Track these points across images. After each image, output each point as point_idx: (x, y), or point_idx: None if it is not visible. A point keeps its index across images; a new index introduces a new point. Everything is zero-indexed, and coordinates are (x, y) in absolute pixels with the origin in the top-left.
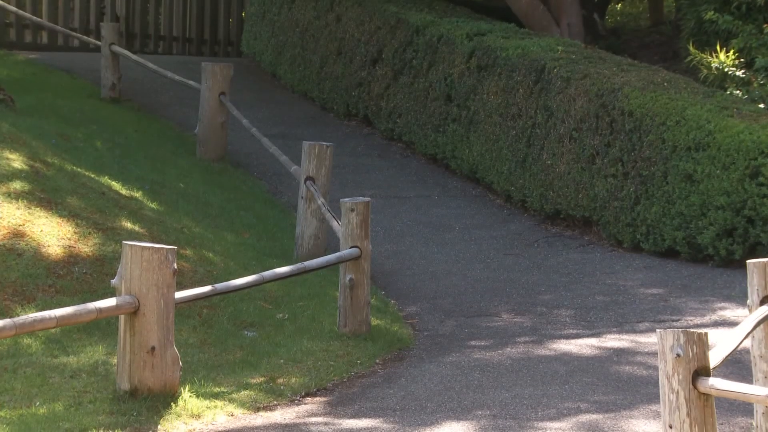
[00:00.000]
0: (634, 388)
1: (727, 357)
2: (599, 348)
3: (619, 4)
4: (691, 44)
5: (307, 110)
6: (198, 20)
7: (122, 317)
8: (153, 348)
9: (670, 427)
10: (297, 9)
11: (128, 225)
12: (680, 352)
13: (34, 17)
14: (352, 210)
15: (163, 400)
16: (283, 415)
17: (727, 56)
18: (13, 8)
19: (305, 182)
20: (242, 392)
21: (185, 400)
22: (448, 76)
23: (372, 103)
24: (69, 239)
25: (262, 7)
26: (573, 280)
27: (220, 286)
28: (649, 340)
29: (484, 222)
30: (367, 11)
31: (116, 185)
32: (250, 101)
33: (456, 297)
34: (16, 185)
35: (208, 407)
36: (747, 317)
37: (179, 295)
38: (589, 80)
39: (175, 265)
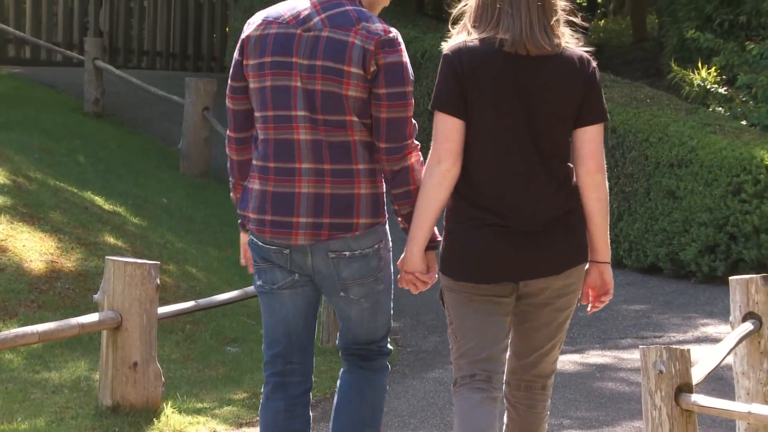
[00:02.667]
0: (617, 404)
1: (709, 373)
2: (582, 364)
3: (603, 21)
4: (673, 61)
5: None
6: (182, 35)
7: (105, 332)
8: (135, 363)
9: None
10: None
11: (111, 240)
12: (663, 368)
13: (17, 31)
14: None
15: (145, 416)
16: None
17: (709, 73)
18: None
19: None
20: (225, 408)
21: (168, 416)
22: (432, 92)
23: None
24: (51, 254)
25: (245, 22)
26: None
27: (203, 301)
28: (632, 356)
29: None
30: None
31: (99, 200)
32: None
33: (439, 313)
34: None
35: (190, 423)
36: (729, 334)
37: (162, 310)
38: None
39: (158, 281)
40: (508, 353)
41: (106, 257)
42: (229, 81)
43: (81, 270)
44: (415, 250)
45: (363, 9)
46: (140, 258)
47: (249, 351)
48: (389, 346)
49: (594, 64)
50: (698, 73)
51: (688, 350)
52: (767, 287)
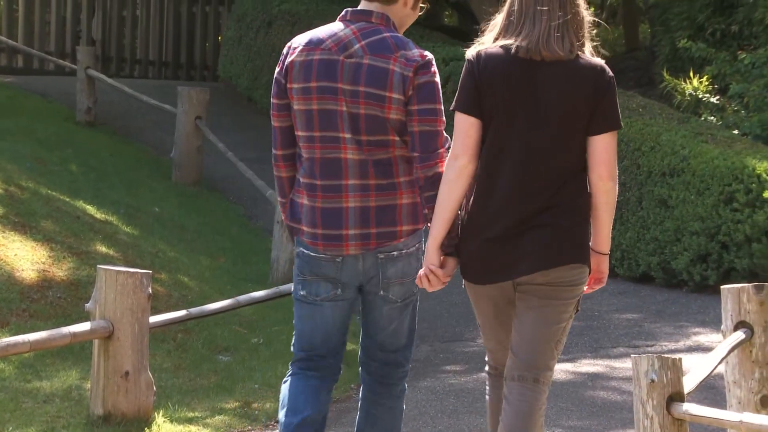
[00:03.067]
0: (609, 413)
1: (701, 382)
2: (574, 373)
3: (595, 30)
4: (665, 70)
5: None
6: (174, 44)
7: (96, 342)
8: (127, 373)
9: None
10: (274, 33)
11: (103, 249)
12: (655, 377)
13: (10, 41)
14: None
15: (137, 425)
16: None
17: (701, 82)
18: None
19: None
20: (216, 417)
21: (159, 425)
22: None
23: None
24: (43, 263)
25: (239, 31)
26: None
27: (194, 310)
28: (624, 365)
29: None
30: None
31: (91, 209)
32: (226, 125)
33: (431, 322)
34: None
35: None
36: (721, 343)
37: (154, 319)
38: None
39: (150, 290)
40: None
41: (98, 266)
42: (272, 99)
43: (73, 279)
44: (431, 243)
45: (399, 35)
46: (132, 267)
47: (241, 360)
48: (409, 364)
49: (610, 74)
50: (690, 83)
51: (680, 359)
52: (759, 296)
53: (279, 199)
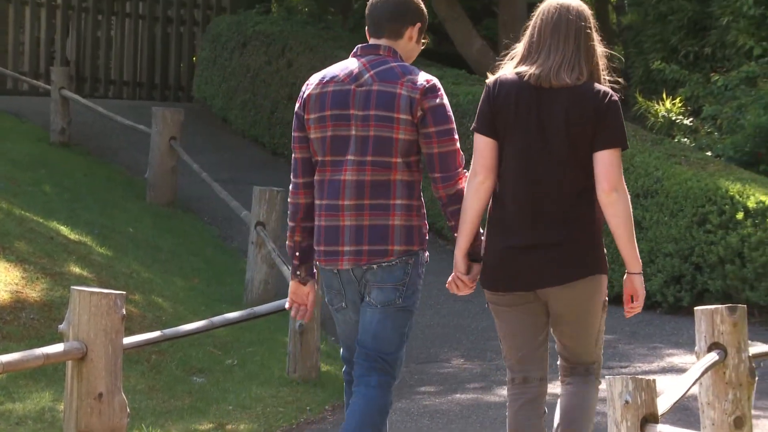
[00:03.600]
0: None
1: (675, 404)
2: (549, 394)
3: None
4: (639, 92)
5: (258, 155)
6: (149, 65)
7: (69, 363)
8: (100, 394)
9: None
10: (248, 54)
11: (77, 270)
12: (629, 398)
13: None
14: None
15: None
16: None
17: (674, 104)
18: None
19: (255, 227)
20: None
21: None
22: None
23: None
24: (16, 284)
25: (213, 52)
26: None
27: (169, 331)
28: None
29: (435, 268)
30: (318, 57)
31: (65, 230)
32: (200, 146)
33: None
34: None
35: None
36: (695, 364)
37: (128, 340)
38: None
39: (124, 311)
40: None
41: (72, 287)
42: (293, 133)
43: (46, 300)
44: (457, 252)
45: (405, 63)
46: (106, 288)
47: (215, 381)
48: (397, 372)
49: (614, 97)
50: (663, 104)
51: (654, 380)
52: (732, 318)
53: (289, 223)
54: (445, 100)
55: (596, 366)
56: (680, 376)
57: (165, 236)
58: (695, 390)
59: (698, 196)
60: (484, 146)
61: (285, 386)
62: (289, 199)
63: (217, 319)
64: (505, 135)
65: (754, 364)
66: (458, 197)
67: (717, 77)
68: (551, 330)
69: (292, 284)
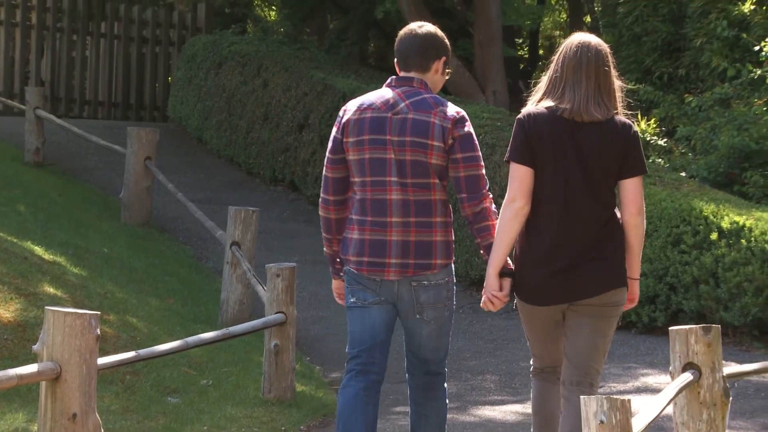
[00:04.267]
0: None
1: (649, 424)
2: (523, 414)
3: (543, 73)
4: None
5: (233, 175)
6: (124, 85)
7: (43, 384)
8: (74, 415)
9: None
10: (224, 74)
11: (51, 290)
12: (604, 418)
13: None
14: (278, 275)
15: None
16: None
17: (649, 125)
18: None
19: (231, 247)
20: None
21: None
22: None
23: (298, 168)
24: None
25: (189, 72)
26: (498, 346)
27: (143, 351)
28: None
29: None
30: (294, 77)
31: (39, 250)
32: (176, 166)
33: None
34: None
35: None
36: (669, 384)
37: (102, 361)
38: None
39: (98, 331)
40: (564, 355)
41: (46, 308)
42: (328, 155)
43: (20, 320)
44: (491, 272)
45: (436, 95)
46: (80, 308)
47: (190, 402)
48: (446, 368)
49: (635, 128)
50: (638, 125)
51: (629, 400)
52: (707, 338)
53: (324, 235)
54: (472, 130)
55: (598, 379)
56: (655, 396)
57: (140, 256)
58: (670, 410)
59: (672, 217)
60: (522, 174)
61: (260, 406)
62: (320, 213)
63: (192, 339)
64: (542, 164)
65: (728, 384)
66: (484, 215)
67: (691, 98)
68: (565, 342)
69: (335, 282)
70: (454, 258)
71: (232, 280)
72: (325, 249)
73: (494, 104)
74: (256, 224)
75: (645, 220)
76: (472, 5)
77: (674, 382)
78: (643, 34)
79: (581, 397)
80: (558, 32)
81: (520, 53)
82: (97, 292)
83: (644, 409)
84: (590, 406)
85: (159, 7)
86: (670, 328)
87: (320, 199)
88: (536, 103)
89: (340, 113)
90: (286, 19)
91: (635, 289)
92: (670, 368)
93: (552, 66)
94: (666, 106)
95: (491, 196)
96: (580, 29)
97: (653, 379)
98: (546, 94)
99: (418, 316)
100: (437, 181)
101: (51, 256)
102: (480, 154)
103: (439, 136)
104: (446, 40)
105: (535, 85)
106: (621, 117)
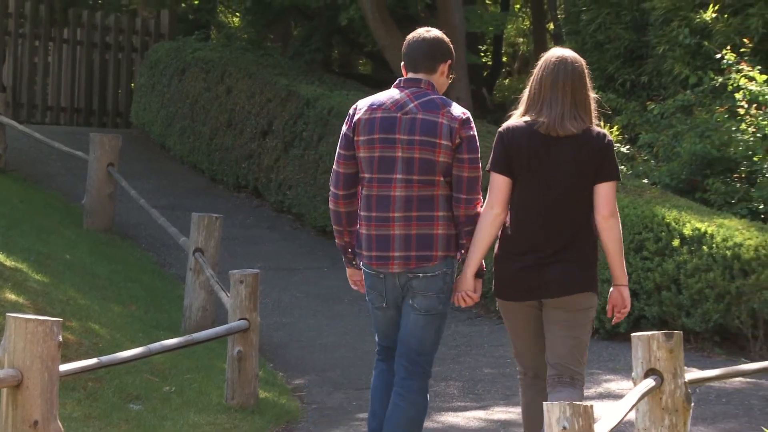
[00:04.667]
0: None
1: (612, 430)
2: (486, 420)
3: (507, 80)
4: None
5: (197, 182)
6: (86, 90)
7: (5, 391)
8: (36, 422)
9: None
10: (187, 80)
11: (12, 297)
12: (566, 424)
13: None
14: (241, 282)
15: None
16: None
17: (611, 132)
18: None
19: (194, 254)
20: None
21: None
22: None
23: (262, 174)
24: None
25: (152, 78)
26: (461, 353)
27: (106, 358)
28: None
29: None
30: (257, 83)
31: (0, 256)
32: (138, 172)
33: (345, 369)
34: None
35: None
36: (632, 390)
37: (64, 368)
38: None
39: (60, 338)
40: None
41: (7, 314)
42: (339, 150)
43: None
44: (468, 272)
45: (443, 96)
46: (42, 315)
47: (152, 408)
48: (431, 369)
49: (609, 137)
50: None
51: (591, 406)
52: (668, 344)
53: (335, 227)
54: (475, 132)
55: (580, 376)
56: (617, 402)
57: (102, 263)
58: (632, 416)
59: (635, 223)
60: (501, 183)
61: (223, 413)
62: (330, 206)
63: (154, 345)
64: (520, 174)
65: (690, 390)
66: (473, 219)
67: (653, 105)
68: (546, 341)
69: (349, 270)
70: (457, 250)
71: (195, 286)
72: (336, 240)
73: None
74: (220, 231)
75: (619, 225)
76: (435, 12)
77: (636, 388)
78: (605, 42)
79: (545, 403)
80: (521, 39)
81: (483, 60)
82: (59, 298)
83: (607, 415)
84: (553, 412)
85: (122, 13)
86: (632, 335)
87: (330, 194)
88: (518, 116)
89: (351, 111)
90: (249, 26)
91: (625, 294)
92: (633, 374)
93: (531, 81)
94: (628, 114)
95: (482, 200)
96: (543, 36)
97: (616, 385)
98: (527, 109)
99: (410, 302)
100: (442, 178)
101: (12, 263)
102: (479, 156)
103: (447, 135)
104: (451, 45)
105: (498, 92)
106: (596, 127)
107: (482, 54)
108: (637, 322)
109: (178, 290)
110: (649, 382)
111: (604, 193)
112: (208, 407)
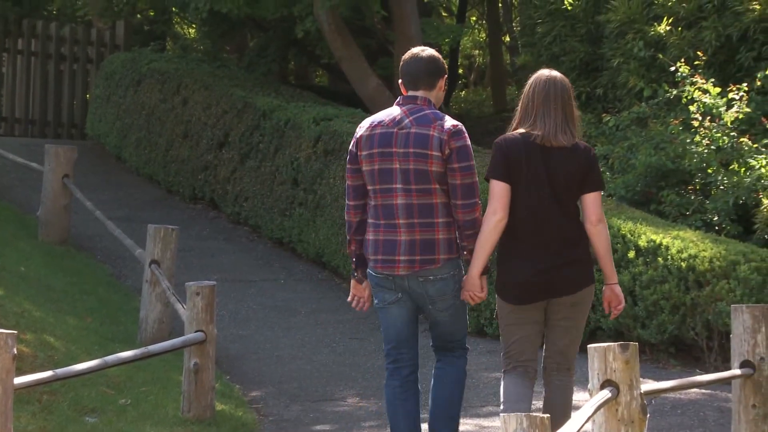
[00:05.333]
0: None
1: None
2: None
3: (464, 92)
4: None
5: (153, 193)
6: (41, 102)
7: None
8: None
9: None
10: (143, 92)
11: None
12: None
13: None
14: (197, 294)
15: None
16: None
17: None
18: None
19: (150, 266)
20: None
21: None
22: (295, 160)
23: (218, 186)
24: None
25: (107, 89)
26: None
27: (61, 371)
28: (493, 423)
29: (330, 306)
30: (214, 95)
31: None
32: (94, 184)
33: (301, 381)
34: None
35: None
36: (588, 401)
37: (19, 380)
38: None
39: (15, 350)
40: (545, 345)
41: None
42: (347, 165)
43: None
44: (474, 274)
45: (437, 111)
46: None
47: (108, 421)
48: (467, 345)
49: (594, 151)
50: None
51: (548, 417)
52: (624, 355)
53: (348, 236)
54: (468, 142)
55: (574, 365)
56: (574, 414)
57: (57, 275)
58: (588, 427)
59: None
60: (501, 190)
61: (179, 426)
62: (345, 217)
63: (110, 358)
64: (518, 182)
65: (645, 402)
66: (474, 223)
67: (609, 118)
68: (546, 332)
69: (353, 283)
70: (460, 252)
71: (152, 298)
72: (348, 249)
73: None
74: (176, 242)
75: (607, 228)
76: (391, 24)
77: (592, 400)
78: (561, 54)
79: (501, 414)
80: (477, 51)
81: None
82: (14, 311)
83: (563, 427)
84: (510, 423)
85: (77, 23)
86: (588, 346)
87: (345, 206)
88: (512, 129)
89: (357, 130)
90: (205, 37)
91: (617, 291)
92: (589, 385)
93: (523, 98)
94: (584, 126)
95: (480, 205)
96: (499, 48)
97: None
98: (520, 122)
99: (431, 307)
100: (437, 186)
101: None
102: (474, 164)
103: (437, 147)
104: (443, 61)
105: (455, 103)
106: (581, 142)
107: None
108: (593, 333)
109: (134, 302)
110: (605, 394)
111: (591, 201)
112: (165, 420)
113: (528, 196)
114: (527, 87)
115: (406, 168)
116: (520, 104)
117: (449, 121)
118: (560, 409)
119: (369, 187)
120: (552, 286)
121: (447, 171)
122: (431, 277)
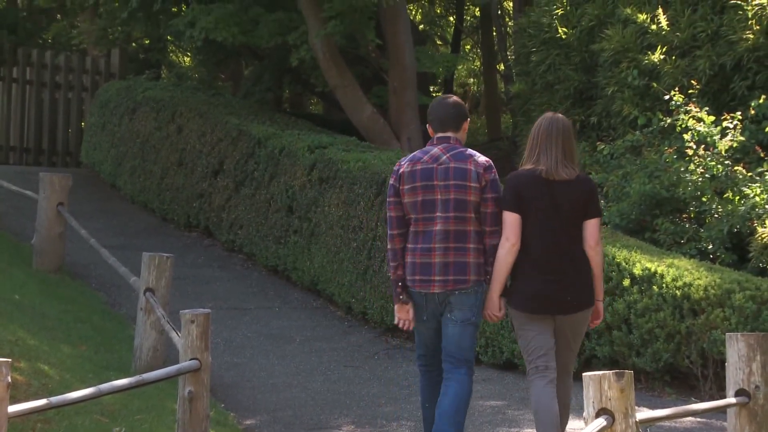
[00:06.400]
0: None
1: None
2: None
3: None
4: None
5: (148, 221)
6: (36, 130)
7: None
8: None
9: None
10: (138, 120)
11: None
12: None
13: None
14: (192, 321)
15: None
16: None
17: None
18: None
19: (144, 293)
20: None
21: None
22: (290, 188)
23: (213, 214)
24: None
25: (102, 117)
26: (413, 392)
27: (55, 399)
28: None
29: (325, 334)
30: (208, 123)
31: None
32: (89, 212)
33: (296, 410)
34: None
35: None
36: (583, 430)
37: (13, 408)
38: None
39: (9, 378)
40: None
41: None
42: (388, 199)
43: None
44: (493, 296)
45: (469, 149)
46: None
47: None
48: (473, 363)
49: (593, 182)
50: None
51: None
52: (619, 383)
53: (391, 263)
54: (497, 176)
55: (572, 370)
56: None
57: (52, 303)
58: None
59: None
60: (513, 220)
61: None
62: (388, 245)
63: (104, 386)
64: (528, 213)
65: (640, 430)
66: (496, 248)
67: (603, 146)
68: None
69: (397, 306)
70: (486, 276)
71: (146, 326)
72: (391, 275)
73: (409, 151)
74: (171, 270)
75: (602, 251)
76: (386, 53)
77: (588, 428)
78: (555, 83)
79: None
80: (472, 80)
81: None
82: (8, 339)
83: None
84: None
85: (72, 52)
86: (583, 374)
87: (388, 235)
88: (521, 165)
89: (396, 167)
90: (200, 65)
91: (600, 307)
92: (584, 414)
93: (530, 137)
94: (578, 154)
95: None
96: (494, 77)
97: (567, 424)
98: (527, 159)
99: (448, 315)
100: (472, 215)
101: None
102: (500, 195)
103: (475, 179)
104: (466, 106)
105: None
106: (582, 174)
107: (433, 94)
108: (588, 361)
109: (128, 330)
110: (601, 422)
111: (592, 226)
112: None
113: (536, 224)
114: (533, 127)
115: (447, 198)
116: (528, 143)
117: (481, 157)
118: (562, 403)
119: (411, 216)
120: (561, 305)
121: (481, 201)
122: (456, 292)
